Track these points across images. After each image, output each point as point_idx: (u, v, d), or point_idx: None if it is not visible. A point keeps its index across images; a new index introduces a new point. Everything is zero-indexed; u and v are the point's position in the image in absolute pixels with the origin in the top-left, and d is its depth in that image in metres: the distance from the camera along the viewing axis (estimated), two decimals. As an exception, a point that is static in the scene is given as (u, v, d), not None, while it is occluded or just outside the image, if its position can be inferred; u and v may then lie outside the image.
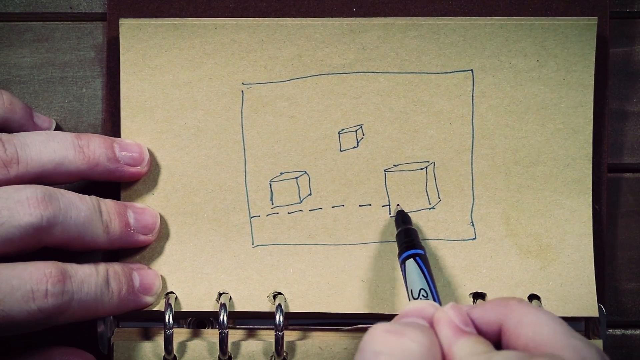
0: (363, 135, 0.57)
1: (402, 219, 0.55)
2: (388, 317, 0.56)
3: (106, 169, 0.54)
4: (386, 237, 0.57)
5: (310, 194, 0.57)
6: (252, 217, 0.57)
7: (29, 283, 0.49)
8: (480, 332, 0.42)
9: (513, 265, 0.56)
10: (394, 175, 0.57)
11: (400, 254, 0.52)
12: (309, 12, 0.57)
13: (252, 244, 0.57)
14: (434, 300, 0.49)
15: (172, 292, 0.56)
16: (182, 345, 0.56)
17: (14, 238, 0.49)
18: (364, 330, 0.55)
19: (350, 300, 0.56)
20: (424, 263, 0.50)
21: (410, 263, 0.50)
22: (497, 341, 0.42)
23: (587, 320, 0.56)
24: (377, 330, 0.40)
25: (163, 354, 0.55)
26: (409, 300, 0.50)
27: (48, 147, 0.52)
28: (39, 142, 0.52)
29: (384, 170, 0.57)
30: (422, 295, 0.49)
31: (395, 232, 0.55)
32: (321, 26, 0.56)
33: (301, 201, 0.57)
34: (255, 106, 0.56)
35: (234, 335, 0.56)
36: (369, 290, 0.56)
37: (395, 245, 0.56)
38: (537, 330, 0.40)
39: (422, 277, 0.50)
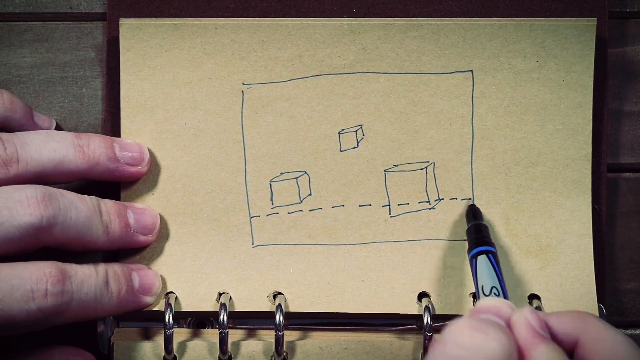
0: (363, 135, 0.57)
1: (472, 214, 0.55)
2: (388, 317, 0.56)
3: (106, 169, 0.54)
4: (386, 237, 0.57)
5: (310, 194, 0.57)
6: (252, 217, 0.57)
7: (29, 283, 0.49)
8: (554, 340, 0.43)
9: (513, 265, 0.56)
10: (394, 176, 0.57)
11: (470, 250, 0.52)
12: (309, 13, 0.57)
13: (252, 244, 0.57)
14: (504, 298, 0.49)
15: (172, 292, 0.56)
16: (182, 345, 0.56)
17: (13, 238, 0.49)
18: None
19: (350, 300, 0.56)
20: (496, 260, 0.50)
21: (482, 259, 0.50)
22: (568, 352, 0.43)
23: (587, 320, 0.56)
24: (462, 326, 0.41)
25: (163, 354, 0.55)
26: (478, 296, 0.50)
27: (48, 146, 0.52)
28: (38, 141, 0.52)
29: (384, 171, 0.57)
30: (494, 293, 0.50)
31: (465, 226, 0.55)
32: (321, 26, 0.56)
33: (301, 201, 0.57)
34: (256, 106, 0.57)
35: (234, 335, 0.56)
36: (369, 290, 0.56)
37: (395, 245, 0.56)
38: (615, 350, 0.42)
39: (494, 274, 0.50)
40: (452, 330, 0.41)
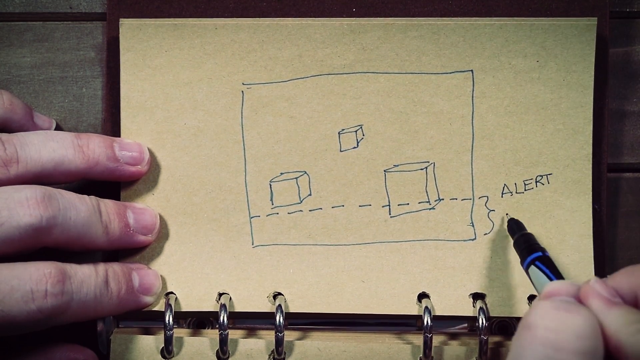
0: (363, 135, 0.57)
1: (516, 226, 0.55)
2: (388, 318, 0.56)
3: (106, 168, 0.54)
4: (386, 237, 0.57)
5: (310, 194, 0.57)
6: (252, 218, 0.57)
7: (29, 283, 0.49)
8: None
9: (513, 265, 0.56)
10: (394, 176, 0.57)
11: (522, 262, 0.51)
12: (309, 13, 0.57)
13: (252, 244, 0.57)
14: None
15: (172, 293, 0.56)
16: (182, 345, 0.56)
17: (13, 238, 0.49)
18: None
19: (350, 300, 0.56)
20: (547, 264, 0.50)
21: (533, 269, 0.50)
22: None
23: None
24: (543, 308, 0.41)
25: (161, 346, 0.55)
26: None
27: (47, 146, 0.52)
28: (38, 141, 0.52)
29: (384, 171, 0.57)
30: None
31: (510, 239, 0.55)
32: (321, 26, 0.56)
33: (301, 201, 0.57)
34: (256, 106, 0.56)
35: (234, 334, 0.56)
36: (369, 291, 0.56)
37: (395, 245, 0.57)
38: None
39: (547, 279, 0.49)
40: (537, 313, 0.41)
